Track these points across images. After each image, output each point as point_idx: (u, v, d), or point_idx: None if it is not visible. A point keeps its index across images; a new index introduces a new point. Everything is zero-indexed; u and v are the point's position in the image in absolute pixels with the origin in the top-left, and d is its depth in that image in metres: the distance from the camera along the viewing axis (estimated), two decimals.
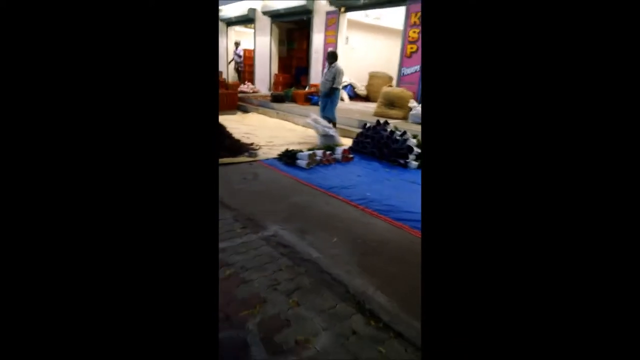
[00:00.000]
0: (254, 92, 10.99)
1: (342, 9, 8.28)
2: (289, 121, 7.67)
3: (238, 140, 4.92)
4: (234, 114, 8.54)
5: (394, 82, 7.65)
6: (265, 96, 9.82)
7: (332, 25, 8.65)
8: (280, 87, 10.85)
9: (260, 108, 8.77)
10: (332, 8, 8.45)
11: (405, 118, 6.63)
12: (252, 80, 12.10)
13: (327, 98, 5.97)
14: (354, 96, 9.23)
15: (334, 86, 5.81)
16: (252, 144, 5.11)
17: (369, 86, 9.41)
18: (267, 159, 4.50)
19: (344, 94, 8.60)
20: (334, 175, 4.00)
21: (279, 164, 4.31)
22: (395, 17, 9.70)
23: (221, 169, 3.81)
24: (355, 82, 9.22)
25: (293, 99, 8.83)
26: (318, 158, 4.32)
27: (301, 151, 4.41)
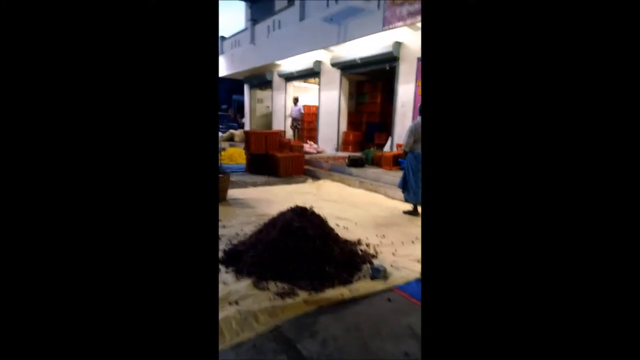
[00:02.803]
0: (318, 152, 9.44)
1: None
2: (380, 194, 5.79)
3: (346, 243, 3.03)
4: (304, 181, 6.83)
5: None
6: (336, 158, 8.16)
7: None
8: (350, 147, 9.26)
9: (333, 174, 7.02)
10: None
11: None
12: (312, 139, 10.65)
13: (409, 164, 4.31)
14: None
15: (404, 148, 4.30)
16: (358, 241, 3.24)
17: None
18: (409, 283, 2.54)
19: None
20: None
21: None
22: None
23: (343, 320, 1.91)
24: None
25: (375, 162, 7.07)
26: None
27: None
